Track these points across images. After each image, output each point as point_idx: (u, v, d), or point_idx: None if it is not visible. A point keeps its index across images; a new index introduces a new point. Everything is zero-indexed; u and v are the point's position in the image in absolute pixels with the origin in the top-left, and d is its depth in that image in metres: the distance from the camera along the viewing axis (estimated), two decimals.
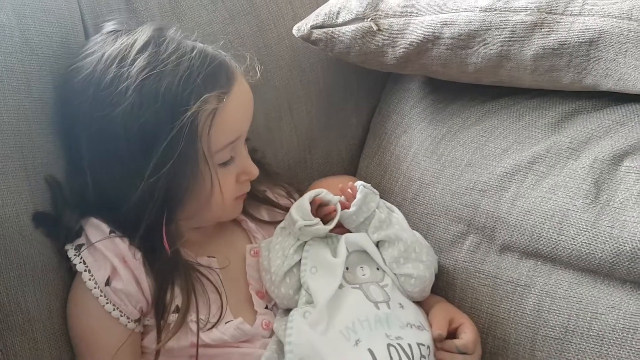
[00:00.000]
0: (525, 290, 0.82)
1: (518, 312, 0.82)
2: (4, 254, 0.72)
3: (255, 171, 0.81)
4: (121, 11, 0.90)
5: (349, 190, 0.82)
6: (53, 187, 0.77)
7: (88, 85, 0.74)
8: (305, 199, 0.81)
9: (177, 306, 0.75)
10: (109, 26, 0.81)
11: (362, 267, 0.80)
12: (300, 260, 0.79)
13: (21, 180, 0.75)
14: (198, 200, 0.76)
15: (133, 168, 0.72)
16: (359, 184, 0.82)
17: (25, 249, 0.74)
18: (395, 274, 0.80)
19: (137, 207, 0.73)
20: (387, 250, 0.80)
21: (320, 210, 0.82)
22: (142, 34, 0.76)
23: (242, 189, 0.81)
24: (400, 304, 0.78)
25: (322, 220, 0.81)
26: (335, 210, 0.81)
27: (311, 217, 0.80)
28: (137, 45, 0.74)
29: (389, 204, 0.86)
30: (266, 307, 0.81)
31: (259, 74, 0.81)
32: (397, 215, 0.84)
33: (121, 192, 0.74)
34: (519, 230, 0.83)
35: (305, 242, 0.80)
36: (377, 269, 0.80)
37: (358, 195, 0.81)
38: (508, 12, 0.83)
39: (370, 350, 0.72)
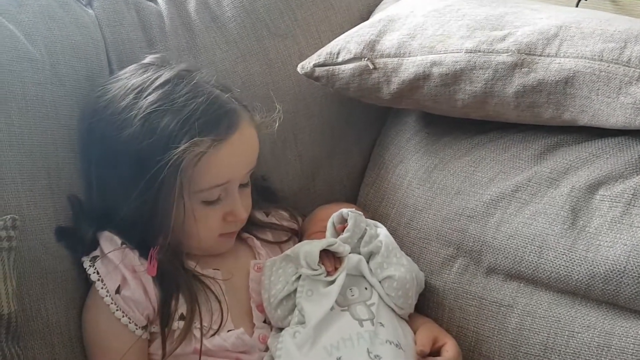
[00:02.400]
0: (509, 310, 0.86)
1: (502, 331, 0.86)
2: (28, 265, 0.78)
3: (242, 215, 0.84)
4: (142, 49, 0.95)
5: (342, 218, 0.88)
6: (74, 204, 0.83)
7: (108, 106, 0.81)
8: (317, 247, 0.83)
9: (181, 314, 0.80)
10: (148, 58, 0.87)
11: (351, 289, 0.84)
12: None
13: (47, 198, 0.81)
14: (180, 230, 0.80)
15: (126, 188, 0.78)
16: (345, 211, 0.88)
17: (47, 261, 0.79)
18: (380, 282, 0.84)
19: (133, 224, 0.79)
20: (374, 259, 0.85)
21: (328, 256, 0.84)
22: (168, 72, 0.82)
23: (228, 227, 0.85)
24: (381, 322, 0.81)
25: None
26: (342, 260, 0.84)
27: (317, 266, 0.83)
28: (158, 82, 0.81)
29: (373, 221, 0.91)
30: (264, 321, 0.85)
31: (276, 125, 0.87)
32: (381, 228, 0.90)
33: (119, 209, 0.80)
34: (503, 253, 0.87)
35: None
36: (366, 288, 0.85)
37: (349, 222, 0.87)
38: (491, 54, 0.89)
39: None
